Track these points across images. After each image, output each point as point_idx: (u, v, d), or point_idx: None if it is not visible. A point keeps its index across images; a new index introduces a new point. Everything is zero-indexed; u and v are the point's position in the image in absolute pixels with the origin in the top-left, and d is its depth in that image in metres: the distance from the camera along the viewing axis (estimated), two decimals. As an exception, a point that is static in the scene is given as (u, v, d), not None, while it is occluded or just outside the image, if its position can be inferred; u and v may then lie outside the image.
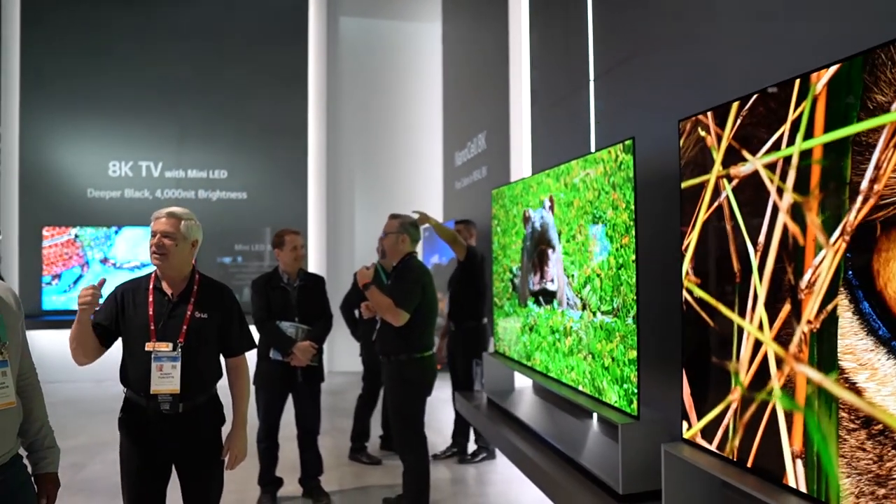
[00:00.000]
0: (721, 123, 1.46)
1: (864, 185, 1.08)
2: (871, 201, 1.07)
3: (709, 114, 1.50)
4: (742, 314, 1.39)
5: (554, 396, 3.09)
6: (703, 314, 1.53)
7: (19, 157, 7.16)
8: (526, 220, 3.04)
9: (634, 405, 2.00)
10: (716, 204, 1.47)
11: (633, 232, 1.99)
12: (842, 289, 1.14)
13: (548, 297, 2.75)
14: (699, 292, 1.54)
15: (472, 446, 4.51)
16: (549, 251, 2.74)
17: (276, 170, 7.64)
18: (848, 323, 1.13)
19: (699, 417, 1.54)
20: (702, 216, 1.53)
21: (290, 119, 7.62)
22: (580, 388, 2.43)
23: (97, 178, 7.36)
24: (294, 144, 7.64)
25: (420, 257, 6.12)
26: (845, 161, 1.13)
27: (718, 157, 1.46)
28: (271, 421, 3.68)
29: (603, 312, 2.20)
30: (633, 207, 2.00)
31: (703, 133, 1.51)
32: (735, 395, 1.41)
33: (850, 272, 1.13)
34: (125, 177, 7.43)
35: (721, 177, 1.45)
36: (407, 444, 3.32)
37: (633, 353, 1.99)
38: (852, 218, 1.11)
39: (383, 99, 8.02)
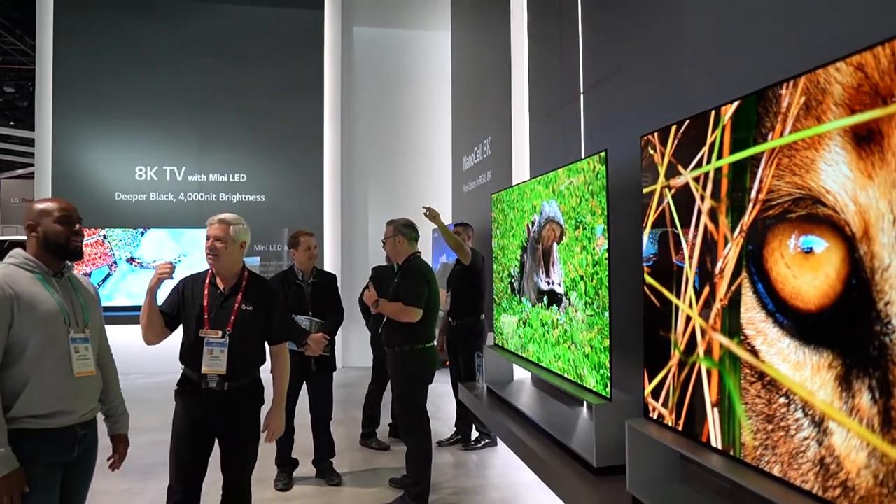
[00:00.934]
0: (664, 142, 1.81)
1: (753, 194, 1.43)
2: (758, 206, 1.42)
3: (655, 134, 1.85)
4: (678, 296, 1.74)
5: (547, 385, 3.33)
6: (654, 298, 1.88)
7: (52, 162, 7.59)
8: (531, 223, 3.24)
9: (608, 388, 2.28)
10: (660, 208, 1.83)
11: (607, 235, 2.31)
12: (744, 272, 1.49)
13: (555, 298, 2.89)
14: (650, 280, 1.90)
15: (475, 434, 4.82)
16: (555, 245, 2.85)
17: (293, 173, 8.01)
18: (749, 300, 1.48)
19: (650, 381, 1.89)
20: (651, 218, 1.88)
21: (306, 125, 7.99)
22: (565, 375, 2.73)
23: (124, 182, 7.79)
24: (310, 149, 8.01)
25: (429, 257, 6.42)
26: (745, 175, 1.48)
27: (662, 170, 1.82)
28: (287, 406, 4.00)
29: (587, 309, 2.49)
30: (606, 213, 2.33)
31: (651, 150, 1.87)
32: (674, 361, 1.76)
33: (749, 260, 1.48)
34: (150, 181, 7.84)
35: (664, 186, 1.81)
36: (410, 428, 3.58)
37: (607, 342, 2.29)
38: (746, 218, 1.46)
39: (396, 105, 8.37)
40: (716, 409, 1.58)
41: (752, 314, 1.47)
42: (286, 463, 4.06)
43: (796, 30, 1.78)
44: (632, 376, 2.57)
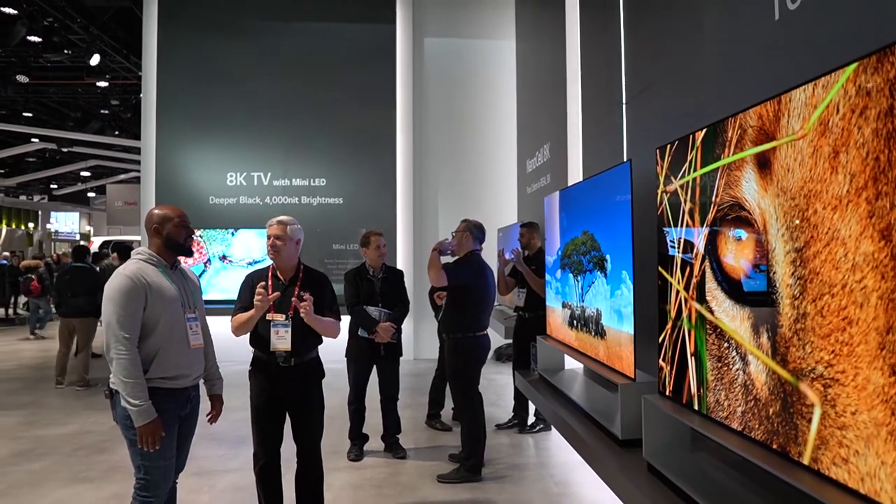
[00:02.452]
0: (662, 157, 2.49)
1: (713, 199, 2.10)
2: (715, 208, 2.09)
3: (658, 150, 2.53)
4: (671, 275, 2.41)
5: (592, 372, 3.75)
6: (659, 280, 2.56)
7: (155, 170, 8.87)
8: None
9: (632, 369, 2.83)
10: (661, 208, 2.50)
11: (631, 231, 2.96)
12: (708, 256, 2.16)
13: (591, 282, 3.47)
14: (659, 268, 2.57)
15: (531, 419, 5.47)
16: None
17: (368, 177, 8.97)
18: (709, 275, 2.15)
19: (657, 339, 2.57)
20: (655, 215, 2.56)
21: (380, 132, 8.92)
22: (600, 359, 3.28)
23: (217, 187, 8.98)
24: (384, 154, 8.94)
25: (492, 254, 7.12)
26: (708, 185, 2.15)
27: (661, 178, 2.49)
28: (359, 387, 4.70)
29: (616, 297, 3.12)
30: (631, 212, 2.98)
31: (655, 163, 2.55)
32: (669, 325, 2.44)
33: (710, 246, 2.14)
34: (240, 185, 8.99)
35: (662, 192, 2.48)
36: (464, 407, 4.27)
37: (632, 329, 2.90)
38: (709, 216, 2.13)
39: (464, 110, 9.15)
40: (693, 358, 2.26)
41: (710, 285, 2.14)
42: (358, 437, 4.80)
43: (811, 53, 2.41)
44: (655, 359, 3.03)
